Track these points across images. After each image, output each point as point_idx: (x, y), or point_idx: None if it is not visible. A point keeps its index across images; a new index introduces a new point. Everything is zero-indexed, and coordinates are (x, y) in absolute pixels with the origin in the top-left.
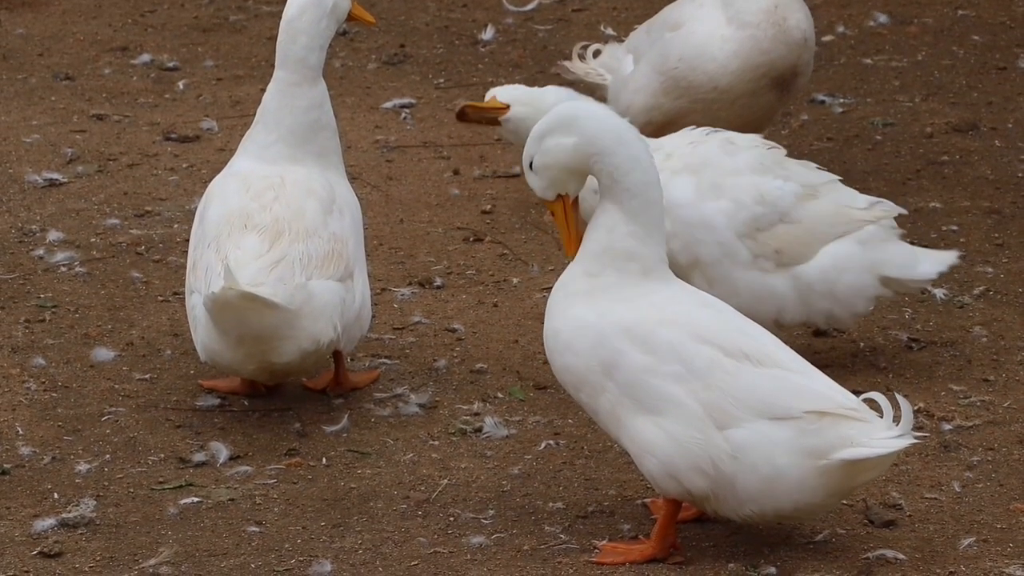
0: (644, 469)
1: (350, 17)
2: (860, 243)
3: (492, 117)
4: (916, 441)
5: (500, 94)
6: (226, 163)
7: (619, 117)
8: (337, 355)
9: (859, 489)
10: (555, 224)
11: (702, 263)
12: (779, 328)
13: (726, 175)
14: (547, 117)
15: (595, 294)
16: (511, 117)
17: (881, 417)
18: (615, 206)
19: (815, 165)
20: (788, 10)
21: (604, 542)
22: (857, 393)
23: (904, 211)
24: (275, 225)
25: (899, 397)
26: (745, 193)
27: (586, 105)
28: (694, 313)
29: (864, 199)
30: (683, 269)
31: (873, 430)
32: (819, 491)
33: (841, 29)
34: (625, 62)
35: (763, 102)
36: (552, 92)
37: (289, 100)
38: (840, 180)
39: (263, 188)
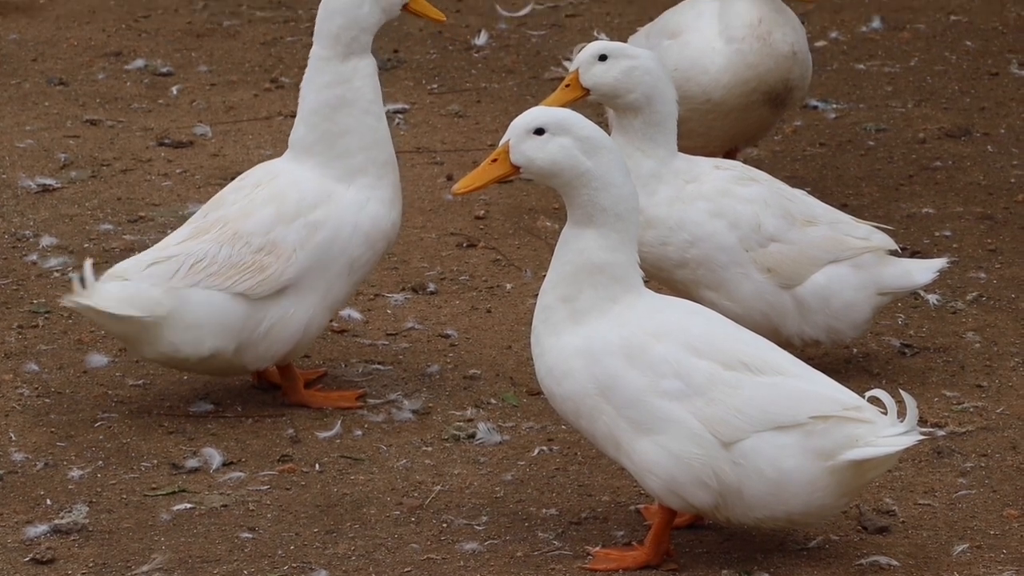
0: (647, 487)
1: (411, 11)
2: (855, 266)
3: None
4: (923, 438)
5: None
6: (219, 168)
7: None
8: (281, 366)
9: (870, 486)
10: (484, 169)
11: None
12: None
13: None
14: (580, 123)
15: (577, 318)
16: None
17: (885, 414)
18: (588, 229)
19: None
20: (773, 24)
21: (597, 548)
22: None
23: (898, 248)
24: (213, 224)
25: (903, 393)
26: (743, 218)
27: (609, 140)
28: (685, 323)
29: (863, 229)
30: (696, 283)
31: (879, 428)
32: (829, 491)
33: (834, 35)
34: None
35: (757, 116)
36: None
37: (314, 76)
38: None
39: (246, 184)
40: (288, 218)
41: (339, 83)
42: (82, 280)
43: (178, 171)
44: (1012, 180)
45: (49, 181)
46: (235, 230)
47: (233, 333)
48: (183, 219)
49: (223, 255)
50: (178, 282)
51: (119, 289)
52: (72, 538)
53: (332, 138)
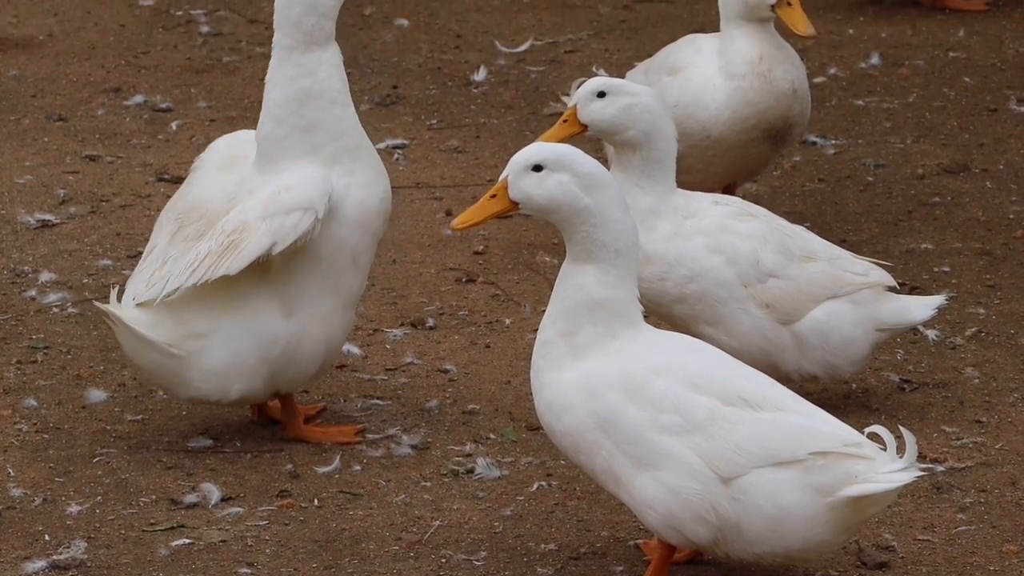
0: (646, 522)
1: None
2: (853, 302)
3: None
4: (922, 474)
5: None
6: None
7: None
8: (283, 399)
9: (869, 521)
10: (483, 204)
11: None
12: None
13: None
14: (579, 159)
15: (577, 354)
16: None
17: (885, 450)
18: (587, 265)
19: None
20: (774, 61)
21: None
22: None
23: (897, 284)
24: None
25: (903, 429)
26: (741, 253)
27: (608, 175)
28: (685, 358)
29: (861, 265)
30: (694, 318)
31: (879, 464)
32: (829, 527)
33: (833, 71)
34: None
35: (756, 152)
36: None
37: (279, 68)
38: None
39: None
40: (257, 202)
41: (304, 76)
42: (119, 295)
43: None
44: (1011, 216)
45: (48, 217)
46: (211, 226)
47: (252, 370)
48: None
49: (203, 250)
50: (173, 285)
51: (147, 313)
52: (70, 574)
53: (300, 133)
